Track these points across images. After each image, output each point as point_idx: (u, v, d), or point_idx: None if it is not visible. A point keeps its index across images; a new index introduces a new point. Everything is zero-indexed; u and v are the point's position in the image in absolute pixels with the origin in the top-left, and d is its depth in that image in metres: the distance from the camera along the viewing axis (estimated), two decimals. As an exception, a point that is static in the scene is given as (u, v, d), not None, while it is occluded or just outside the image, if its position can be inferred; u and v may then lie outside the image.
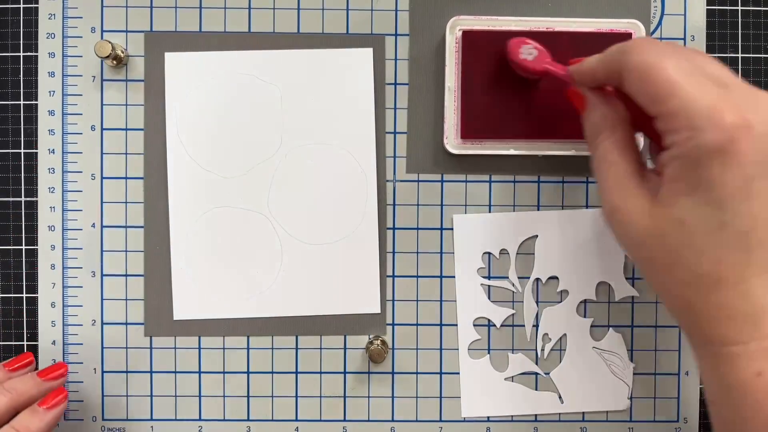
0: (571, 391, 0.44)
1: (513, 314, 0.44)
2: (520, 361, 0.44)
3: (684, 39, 0.44)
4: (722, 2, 0.44)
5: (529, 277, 0.44)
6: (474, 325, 0.44)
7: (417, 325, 0.44)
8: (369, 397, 0.44)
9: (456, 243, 0.43)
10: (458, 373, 0.44)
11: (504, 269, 0.44)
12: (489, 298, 0.44)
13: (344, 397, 0.44)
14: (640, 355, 0.44)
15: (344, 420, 0.44)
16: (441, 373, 0.44)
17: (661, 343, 0.44)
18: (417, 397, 0.44)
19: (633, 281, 0.44)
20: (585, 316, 0.44)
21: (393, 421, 0.44)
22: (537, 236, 0.44)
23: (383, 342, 0.43)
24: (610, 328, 0.44)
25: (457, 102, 0.42)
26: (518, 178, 0.44)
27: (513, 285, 0.44)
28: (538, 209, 0.44)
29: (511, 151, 0.42)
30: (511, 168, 0.44)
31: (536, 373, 0.44)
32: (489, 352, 0.44)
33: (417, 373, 0.44)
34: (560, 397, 0.44)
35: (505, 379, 0.44)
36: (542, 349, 0.44)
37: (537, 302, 0.44)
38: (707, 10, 0.44)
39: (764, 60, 0.44)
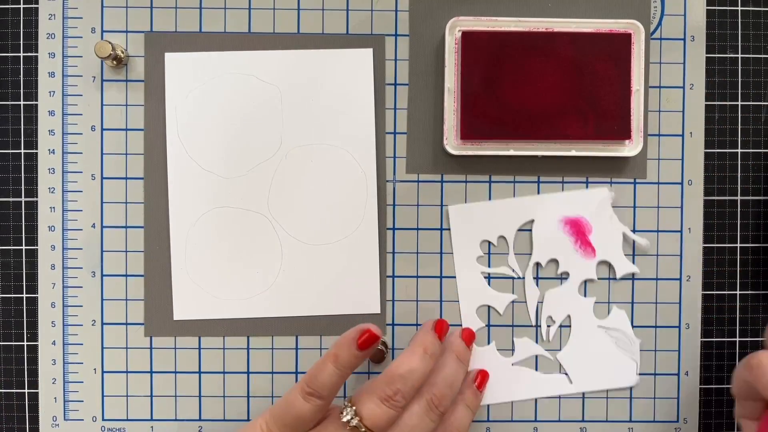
0: (579, 371, 0.44)
1: (515, 300, 0.44)
2: (525, 345, 0.44)
3: (684, 39, 0.44)
4: (722, 2, 0.44)
5: (528, 262, 0.44)
6: (477, 314, 0.44)
7: (417, 325, 0.44)
8: (369, 397, 0.44)
9: (453, 233, 0.44)
10: (458, 373, 0.44)
11: (503, 256, 0.44)
12: (490, 285, 0.44)
13: (344, 397, 0.44)
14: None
15: (344, 420, 0.44)
16: (441, 373, 0.44)
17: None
18: (417, 397, 0.44)
19: (633, 258, 0.44)
20: (587, 296, 0.44)
21: (393, 421, 0.44)
22: (534, 220, 0.44)
23: (383, 342, 0.43)
24: (614, 306, 0.44)
25: (456, 103, 0.42)
26: (518, 178, 0.44)
27: (513, 271, 0.44)
28: (538, 209, 0.44)
29: (511, 152, 0.42)
30: (510, 168, 0.44)
31: (543, 356, 0.44)
32: (494, 339, 0.44)
33: (417, 373, 0.44)
34: (569, 378, 0.44)
35: (513, 364, 0.44)
36: (547, 332, 0.44)
37: (538, 286, 0.44)
38: (707, 10, 0.44)
39: (764, 60, 0.44)
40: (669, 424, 0.44)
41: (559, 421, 0.44)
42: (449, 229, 0.44)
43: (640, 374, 0.44)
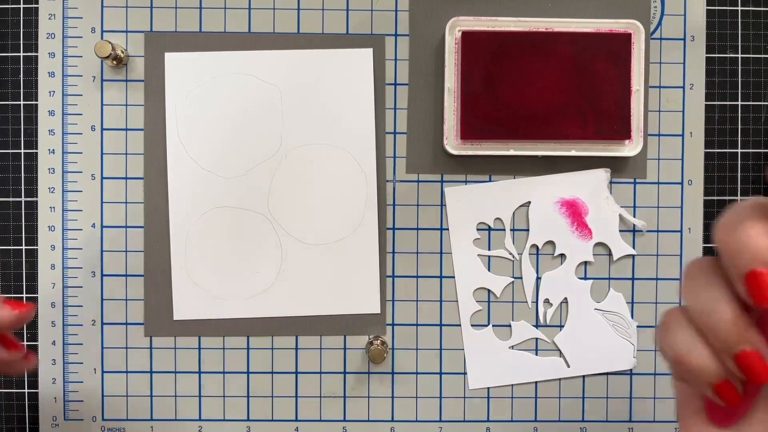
0: (577, 354, 0.44)
1: (512, 282, 0.44)
2: (523, 328, 0.44)
3: (684, 39, 0.44)
4: (722, 2, 0.44)
5: (525, 244, 0.44)
6: (474, 297, 0.44)
7: (417, 325, 0.44)
8: (369, 397, 0.44)
9: (450, 217, 0.44)
10: (460, 374, 0.44)
11: (500, 238, 0.44)
12: (487, 268, 0.44)
13: (344, 397, 0.44)
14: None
15: (344, 420, 0.44)
16: (441, 374, 0.44)
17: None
18: (417, 397, 0.44)
19: (634, 238, 0.44)
20: (585, 278, 0.44)
21: (393, 421, 0.44)
22: (530, 202, 0.44)
23: (383, 342, 0.43)
24: (611, 288, 0.44)
25: (456, 103, 0.42)
26: (518, 178, 0.44)
27: (510, 253, 0.44)
28: (538, 209, 0.44)
29: (511, 152, 0.42)
30: (510, 168, 0.44)
31: (540, 339, 0.44)
32: (491, 323, 0.44)
33: (417, 373, 0.44)
34: (566, 362, 0.44)
35: (510, 347, 0.44)
36: (544, 315, 0.44)
37: (536, 268, 0.44)
38: (707, 10, 0.44)
39: (764, 60, 0.44)
40: (669, 424, 0.44)
41: (559, 421, 0.44)
42: (449, 229, 0.44)
43: (636, 374, 0.44)
